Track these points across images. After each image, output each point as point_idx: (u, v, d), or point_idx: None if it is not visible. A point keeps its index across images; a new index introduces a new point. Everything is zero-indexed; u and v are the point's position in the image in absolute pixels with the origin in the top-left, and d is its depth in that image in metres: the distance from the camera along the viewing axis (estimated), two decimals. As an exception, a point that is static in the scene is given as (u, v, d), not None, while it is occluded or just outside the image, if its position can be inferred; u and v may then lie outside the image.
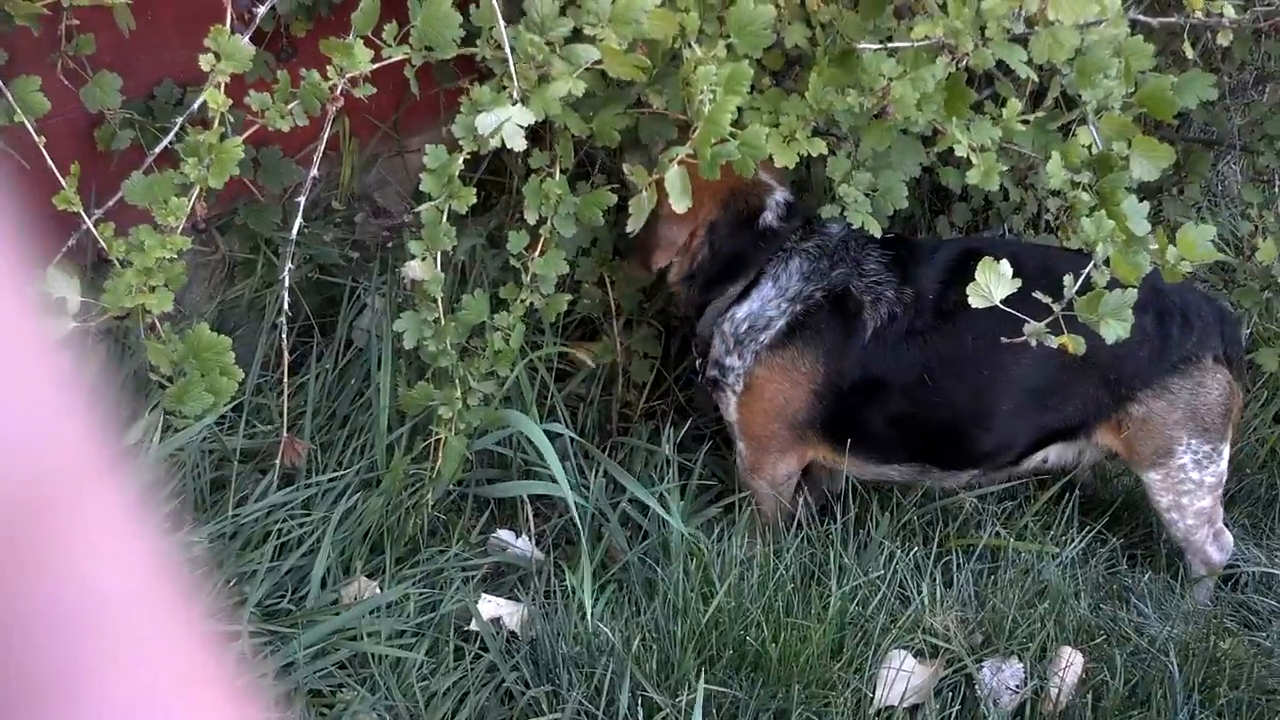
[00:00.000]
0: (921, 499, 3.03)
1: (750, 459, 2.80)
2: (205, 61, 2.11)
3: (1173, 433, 2.62)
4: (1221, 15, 2.05)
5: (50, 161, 2.20)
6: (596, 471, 2.84)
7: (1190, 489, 2.67)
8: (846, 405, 2.67)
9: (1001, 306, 2.07)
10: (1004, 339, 2.16)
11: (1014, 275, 2.08)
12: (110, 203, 2.25)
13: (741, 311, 2.72)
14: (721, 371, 2.75)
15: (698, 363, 2.87)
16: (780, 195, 2.75)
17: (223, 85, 2.13)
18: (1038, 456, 2.75)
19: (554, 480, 2.67)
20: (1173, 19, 2.14)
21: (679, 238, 2.73)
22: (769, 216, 2.73)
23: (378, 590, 2.53)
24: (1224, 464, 2.70)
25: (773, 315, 2.69)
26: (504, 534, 2.79)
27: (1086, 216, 2.14)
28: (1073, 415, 2.65)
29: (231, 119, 2.18)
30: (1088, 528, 2.89)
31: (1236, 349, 2.69)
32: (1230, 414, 2.68)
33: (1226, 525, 2.87)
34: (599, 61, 2.17)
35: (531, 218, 2.43)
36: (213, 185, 2.17)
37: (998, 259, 2.10)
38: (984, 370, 2.61)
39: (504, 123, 2.15)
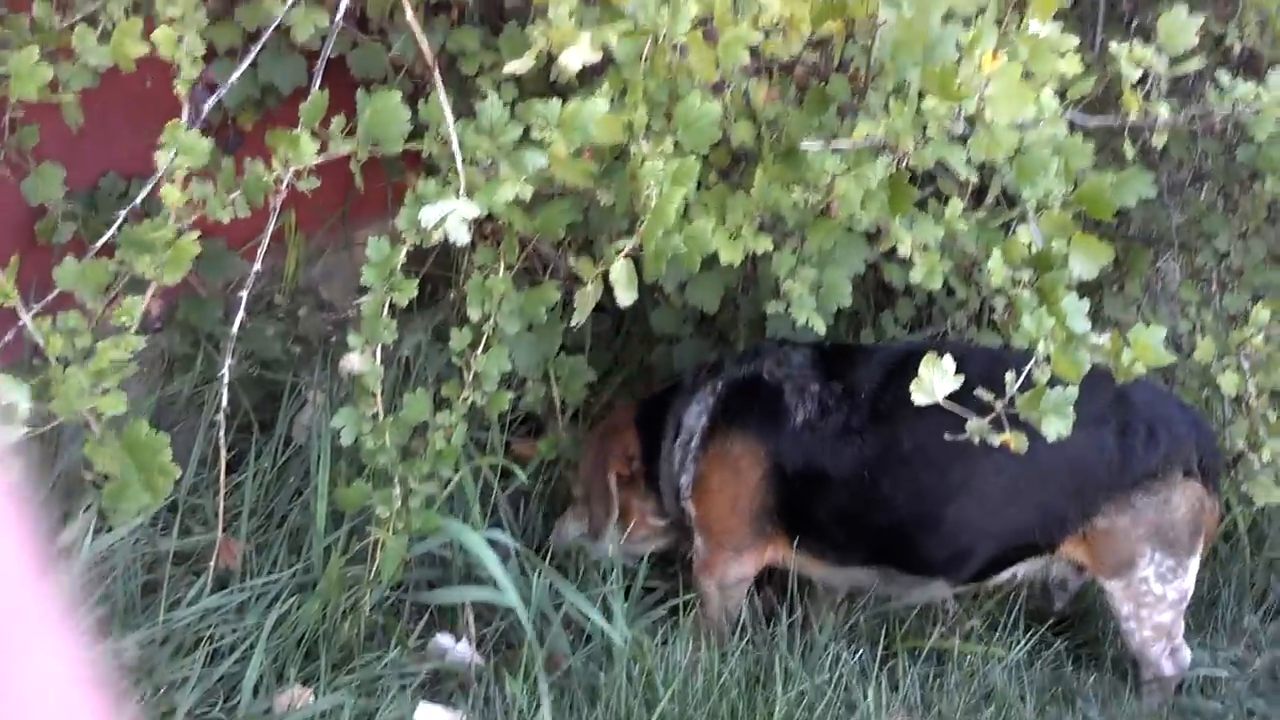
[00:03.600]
0: (868, 600, 3.00)
1: (706, 556, 2.77)
2: (162, 157, 2.09)
3: (1136, 546, 2.61)
4: (1157, 116, 2.10)
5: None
6: (539, 572, 2.79)
7: (1151, 601, 2.65)
8: (794, 495, 2.66)
9: (944, 405, 2.06)
10: (946, 436, 2.15)
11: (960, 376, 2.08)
12: (49, 297, 2.20)
13: (676, 444, 2.80)
14: (682, 493, 2.77)
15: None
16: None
17: (179, 181, 2.11)
18: (1006, 572, 2.73)
19: (496, 585, 2.62)
20: (1110, 119, 2.19)
21: (620, 451, 2.87)
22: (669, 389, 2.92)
23: (312, 699, 2.44)
24: (1189, 579, 2.68)
25: (693, 425, 2.77)
26: (443, 639, 2.72)
27: (1027, 314, 2.15)
28: (1034, 528, 2.63)
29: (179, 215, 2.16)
30: (1034, 630, 2.87)
31: (1213, 461, 2.67)
32: (1201, 529, 2.65)
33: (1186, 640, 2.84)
34: (547, 165, 2.18)
35: (475, 315, 2.42)
36: (167, 283, 2.14)
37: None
38: (926, 474, 2.60)
39: (448, 216, 2.14)
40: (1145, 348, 2.07)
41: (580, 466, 2.94)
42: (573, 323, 2.56)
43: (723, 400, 2.73)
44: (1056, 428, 2.10)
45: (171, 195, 2.11)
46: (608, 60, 2.14)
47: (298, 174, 2.21)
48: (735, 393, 2.72)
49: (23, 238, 2.62)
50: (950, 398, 2.05)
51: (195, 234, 2.15)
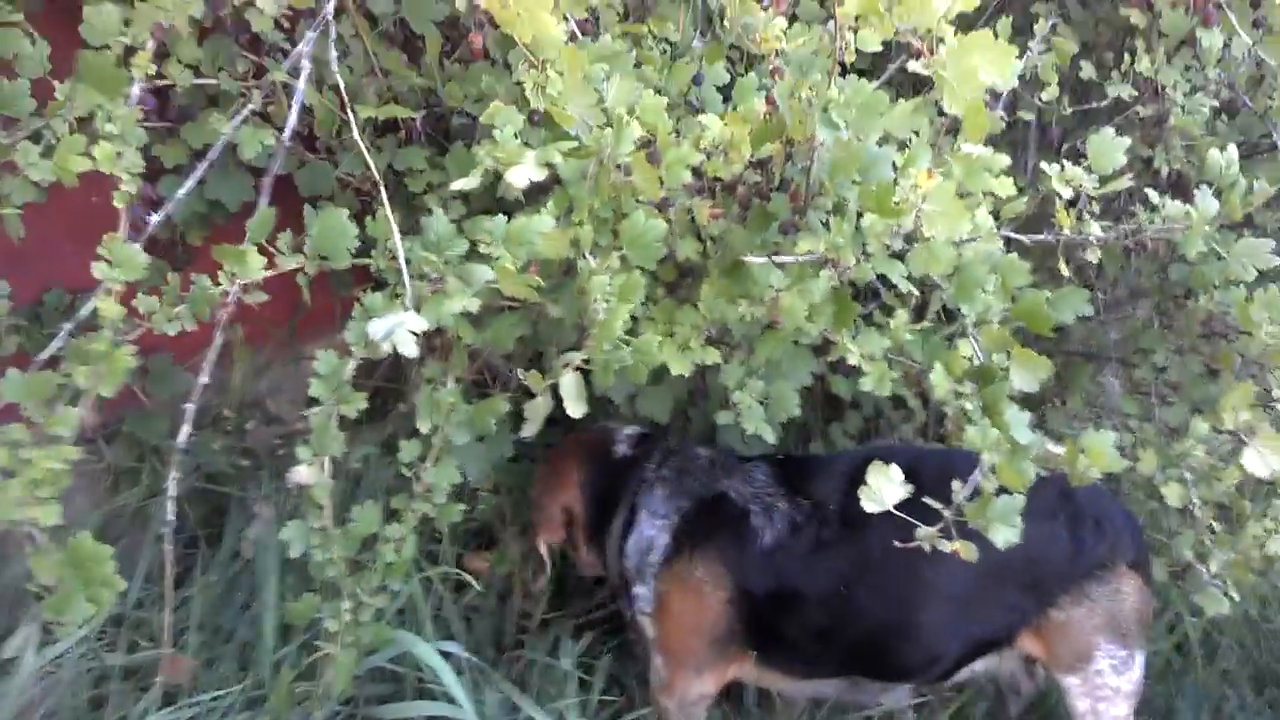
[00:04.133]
0: (830, 710, 2.98)
1: (666, 676, 2.74)
2: (98, 269, 2.09)
3: (1091, 638, 2.62)
4: (1090, 234, 2.15)
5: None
6: (492, 688, 2.76)
7: (1108, 695, 2.66)
8: (762, 616, 2.64)
9: (896, 513, 2.07)
10: (897, 544, 2.16)
11: (916, 483, 2.09)
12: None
13: (629, 544, 2.76)
14: (635, 601, 2.74)
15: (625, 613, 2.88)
16: (628, 431, 2.91)
17: (115, 294, 2.11)
18: (966, 669, 2.72)
19: (450, 700, 2.58)
20: (1044, 236, 2.24)
21: (557, 514, 2.83)
22: (620, 449, 2.87)
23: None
24: (1140, 671, 2.69)
25: (653, 535, 2.72)
26: (395, 755, 2.68)
27: (972, 426, 2.17)
28: (998, 624, 2.64)
29: (121, 324, 2.16)
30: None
31: (1145, 555, 2.71)
32: (1145, 620, 2.68)
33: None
34: (494, 280, 2.20)
35: (424, 427, 2.42)
36: (104, 394, 2.13)
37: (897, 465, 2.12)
38: (901, 581, 2.60)
39: (396, 329, 2.15)
40: (1098, 453, 2.09)
41: (531, 510, 2.92)
42: (524, 434, 2.57)
43: (688, 519, 2.71)
44: (1004, 535, 2.11)
45: (108, 307, 2.11)
46: (554, 179, 2.17)
47: (245, 288, 2.22)
48: (700, 513, 2.70)
49: (-33, 351, 2.61)
50: (906, 503, 2.07)
51: (131, 346, 2.14)
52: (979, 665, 2.73)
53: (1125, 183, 2.15)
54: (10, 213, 2.24)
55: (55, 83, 2.19)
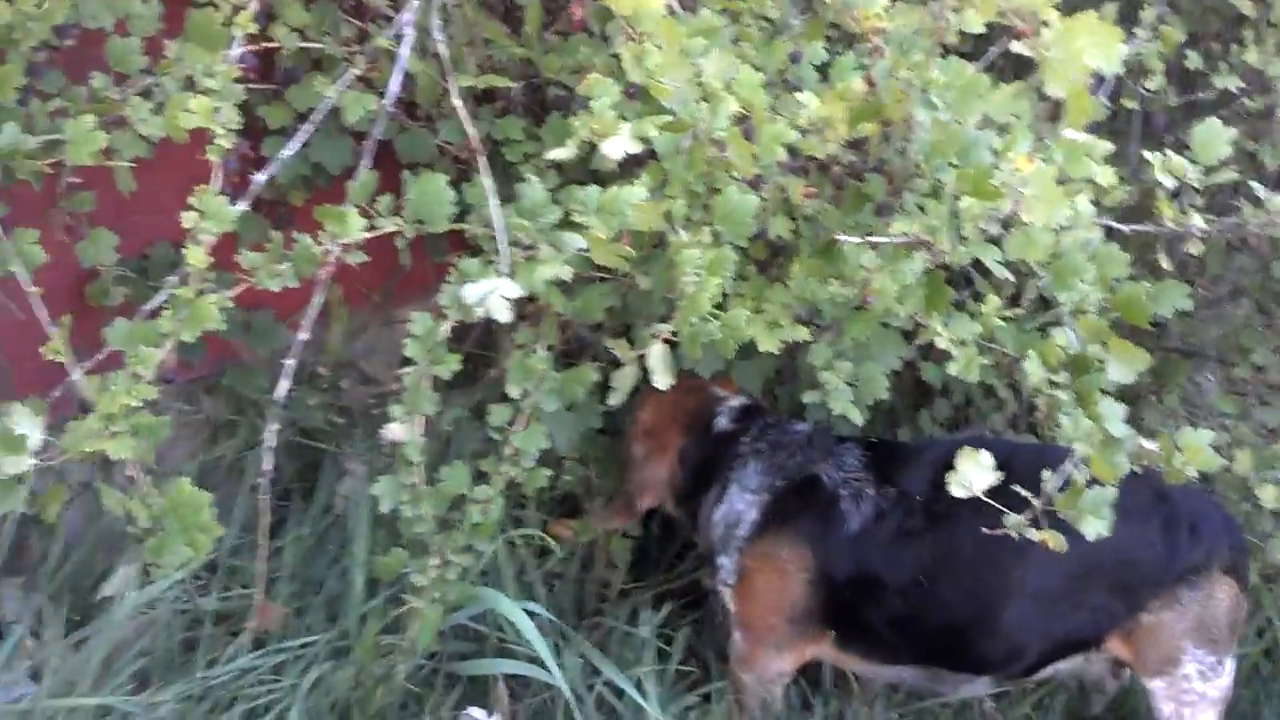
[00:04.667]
0: (907, 695, 2.96)
1: (745, 650, 2.75)
2: (188, 219, 2.16)
3: (1179, 642, 2.57)
4: (1192, 226, 2.10)
5: (42, 312, 2.23)
6: (572, 652, 2.79)
7: (1193, 700, 2.61)
8: (842, 600, 2.64)
9: (986, 500, 2.06)
10: (985, 530, 2.14)
11: (1007, 474, 2.07)
12: (99, 356, 2.27)
13: (718, 514, 2.76)
14: (718, 571, 2.75)
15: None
16: (733, 402, 2.88)
17: (205, 243, 2.17)
18: (1049, 668, 2.69)
19: (530, 660, 2.62)
20: (1145, 227, 2.19)
21: (661, 473, 2.84)
22: (722, 421, 2.85)
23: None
24: (1229, 678, 2.64)
25: (743, 509, 2.72)
26: (475, 712, 2.72)
27: (1066, 416, 2.14)
28: (1084, 625, 2.60)
29: (212, 279, 2.21)
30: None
31: (1243, 559, 2.64)
32: (1237, 626, 2.63)
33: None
34: (586, 248, 2.23)
35: (514, 392, 2.46)
36: (185, 339, 2.19)
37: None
38: (984, 575, 2.58)
39: (490, 294, 2.19)
40: (1195, 451, 2.06)
41: (628, 437, 2.92)
42: (610, 402, 2.59)
43: (778, 498, 2.71)
44: (1094, 527, 2.09)
45: (195, 255, 2.16)
46: (648, 152, 2.18)
47: (345, 248, 2.27)
48: (791, 493, 2.70)
49: (75, 299, 2.70)
50: (996, 496, 2.06)
51: (220, 295, 2.20)
52: (1064, 664, 2.70)
53: (1230, 175, 2.09)
54: (121, 166, 2.32)
55: (167, 41, 2.26)
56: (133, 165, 2.34)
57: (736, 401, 2.89)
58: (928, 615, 2.62)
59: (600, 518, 2.92)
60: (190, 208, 2.15)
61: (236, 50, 2.20)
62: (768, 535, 2.68)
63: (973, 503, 2.10)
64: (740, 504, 2.72)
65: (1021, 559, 2.49)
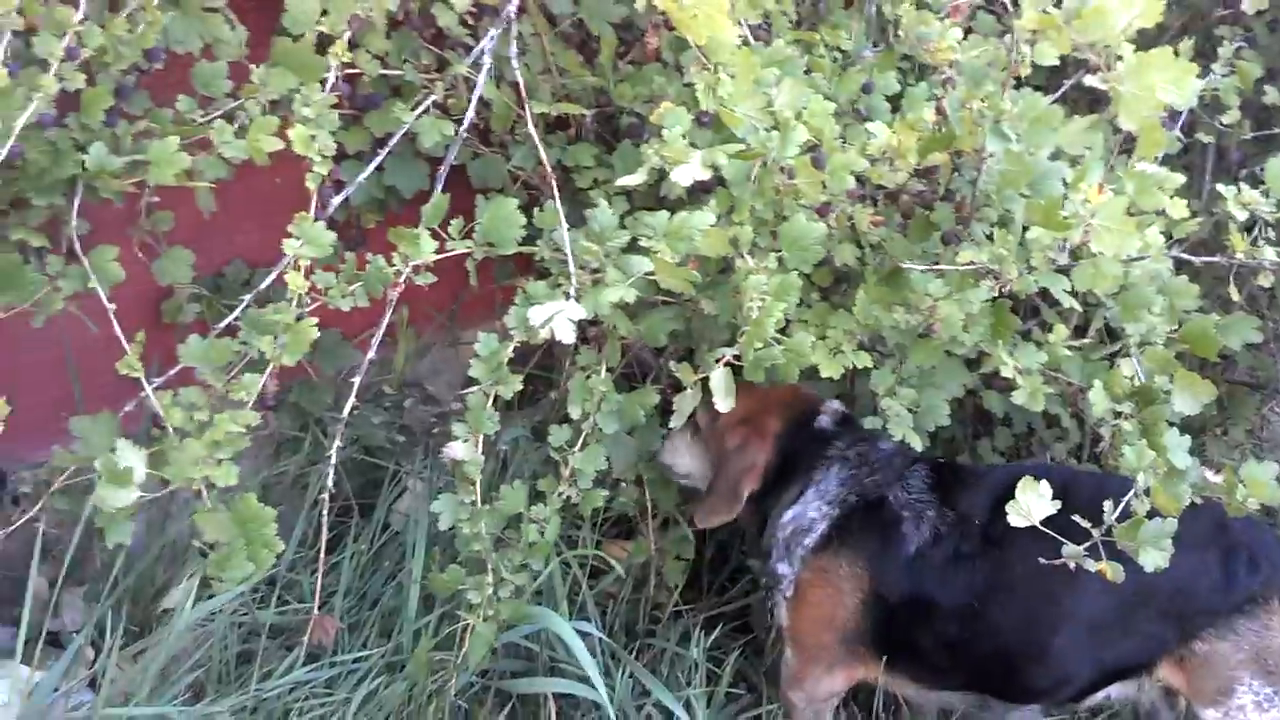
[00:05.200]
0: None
1: (796, 669, 2.74)
2: (288, 245, 2.20)
3: (1235, 673, 2.55)
4: (1263, 260, 2.10)
5: (117, 328, 2.28)
6: (622, 672, 2.80)
7: None
8: (895, 621, 2.63)
9: (1043, 529, 2.06)
10: (1042, 560, 2.15)
11: (1066, 502, 2.07)
12: (171, 372, 2.32)
13: (788, 515, 2.73)
14: (775, 579, 2.75)
15: (761, 581, 2.86)
16: (835, 405, 2.84)
17: (303, 268, 2.22)
18: (1100, 694, 2.68)
19: (580, 679, 2.63)
20: (1216, 259, 2.19)
21: (760, 458, 2.78)
22: (824, 420, 2.80)
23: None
24: None
25: (814, 518, 2.70)
26: (525, 729, 2.74)
27: (1129, 446, 2.15)
28: (1136, 652, 2.59)
29: (306, 303, 2.26)
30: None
31: None
32: None
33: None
34: (652, 272, 2.25)
35: (575, 413, 2.48)
36: (286, 363, 2.24)
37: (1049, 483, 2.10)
38: (1036, 602, 2.57)
39: (555, 316, 2.22)
40: (1259, 485, 2.06)
41: (720, 430, 2.83)
42: (671, 425, 2.61)
43: (847, 514, 2.70)
44: (1154, 559, 2.09)
45: (295, 281, 2.22)
46: (717, 179, 2.21)
47: (415, 269, 2.31)
48: (859, 511, 2.69)
49: (149, 316, 2.75)
50: (1054, 523, 2.06)
51: (314, 319, 2.24)
52: (1115, 691, 2.68)
53: (1304, 209, 2.10)
54: (202, 186, 2.36)
55: (251, 66, 2.31)
56: (213, 186, 2.38)
57: (837, 406, 2.86)
58: (978, 640, 2.61)
59: (703, 514, 2.89)
60: (285, 233, 2.19)
61: (333, 78, 2.24)
62: (829, 551, 2.67)
63: (1029, 528, 2.10)
64: (814, 512, 2.70)
65: (1074, 586, 2.48)
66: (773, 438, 2.79)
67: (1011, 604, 2.57)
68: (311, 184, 2.24)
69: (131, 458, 2.16)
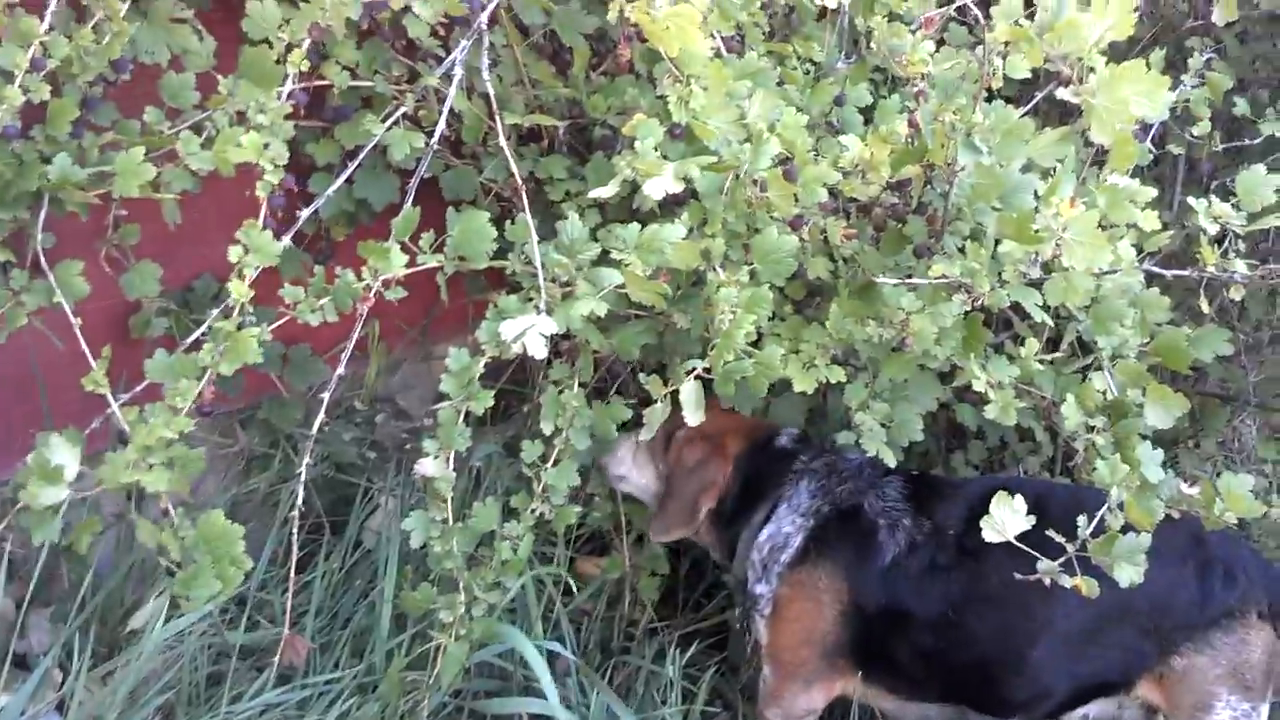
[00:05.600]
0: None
1: (773, 686, 2.73)
2: (234, 253, 2.18)
3: (1213, 688, 2.55)
4: (1234, 272, 2.10)
5: (83, 343, 2.25)
6: (596, 690, 2.78)
7: None
8: (872, 632, 2.62)
9: (1017, 544, 2.05)
10: (1017, 575, 2.14)
11: (1042, 516, 2.07)
12: (138, 388, 2.29)
13: (764, 535, 2.73)
14: (753, 601, 2.74)
15: (736, 611, 2.85)
16: (792, 430, 2.87)
17: (247, 277, 2.19)
18: (1079, 712, 2.67)
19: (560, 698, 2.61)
20: (1187, 272, 2.20)
21: (719, 477, 2.79)
22: (783, 440, 2.82)
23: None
24: None
25: (790, 532, 2.70)
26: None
27: (1102, 461, 2.14)
28: (1113, 667, 2.59)
29: (252, 312, 2.23)
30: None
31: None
32: (1273, 673, 2.60)
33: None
34: (623, 285, 2.24)
35: (548, 428, 2.47)
36: (223, 371, 2.21)
37: (1024, 496, 2.10)
38: (1011, 613, 2.57)
39: (527, 330, 2.20)
40: (1236, 498, 2.06)
41: (678, 445, 2.86)
42: (640, 438, 2.60)
43: (822, 524, 2.70)
44: (1128, 574, 2.09)
45: (237, 289, 2.19)
46: (689, 192, 2.20)
47: (386, 284, 2.29)
48: (834, 521, 2.69)
49: (117, 331, 2.72)
50: (1029, 536, 2.05)
51: (260, 329, 2.22)
52: (1094, 709, 2.68)
53: (1274, 220, 2.10)
54: (168, 199, 2.34)
55: (219, 77, 2.29)
56: (179, 198, 2.36)
57: (794, 429, 2.89)
58: (955, 651, 2.60)
59: (658, 528, 2.88)
60: (235, 241, 2.17)
61: (289, 87, 2.22)
62: (805, 563, 2.67)
63: (1003, 541, 2.09)
64: (788, 526, 2.70)
65: (1050, 598, 2.47)
66: (733, 457, 2.81)
67: (988, 615, 2.57)
68: (262, 192, 2.21)
69: (64, 456, 2.13)
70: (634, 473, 2.92)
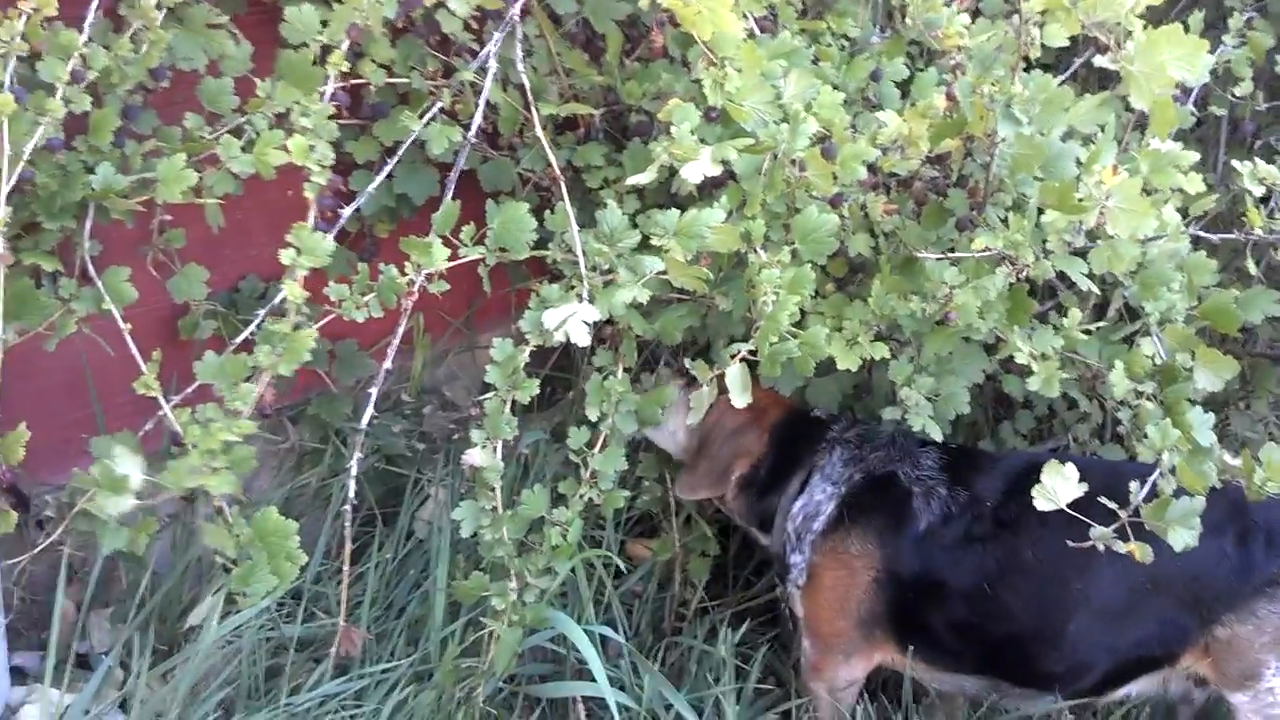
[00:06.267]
0: (988, 710, 2.94)
1: (814, 659, 2.74)
2: (286, 255, 2.20)
3: (1261, 656, 2.53)
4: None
5: (133, 347, 2.28)
6: (649, 672, 2.80)
7: (1279, 714, 2.57)
8: (907, 601, 2.63)
9: (1067, 511, 2.05)
10: (1070, 543, 2.13)
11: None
12: (188, 390, 2.32)
13: (797, 505, 2.73)
14: (789, 571, 2.74)
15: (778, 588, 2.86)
16: (826, 408, 2.88)
17: (301, 278, 2.22)
18: (1122, 689, 2.66)
19: (611, 680, 2.62)
20: (1234, 235, 2.18)
21: (756, 445, 2.79)
22: (819, 413, 2.84)
23: (427, 787, 2.48)
24: None
25: (822, 500, 2.70)
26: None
27: (1153, 426, 2.13)
28: (1155, 641, 2.57)
29: (308, 311, 2.25)
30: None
31: None
32: None
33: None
34: (664, 271, 2.24)
35: (593, 414, 2.47)
36: (282, 372, 2.24)
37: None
38: (1047, 586, 2.56)
39: (569, 319, 2.21)
40: (1277, 468, 2.04)
41: (712, 413, 2.80)
42: (688, 423, 2.60)
43: (855, 492, 2.70)
44: (1183, 538, 2.08)
45: (292, 290, 2.21)
46: (727, 174, 2.20)
47: (429, 278, 2.30)
48: (867, 488, 2.69)
49: (166, 333, 2.74)
50: (1071, 508, 2.04)
51: (313, 329, 2.24)
52: (1139, 687, 2.66)
53: (1321, 180, 2.08)
54: (211, 203, 2.36)
55: (257, 81, 2.31)
56: (221, 202, 2.38)
57: (828, 408, 2.90)
58: (990, 623, 2.59)
59: (686, 486, 2.88)
60: (285, 244, 2.19)
61: (331, 88, 2.24)
62: (839, 530, 2.66)
63: (1040, 512, 2.09)
64: (820, 495, 2.70)
65: (1085, 571, 2.47)
66: (770, 427, 2.80)
67: (1022, 586, 2.56)
68: (309, 193, 2.23)
69: (128, 465, 2.16)
70: (667, 423, 2.91)
